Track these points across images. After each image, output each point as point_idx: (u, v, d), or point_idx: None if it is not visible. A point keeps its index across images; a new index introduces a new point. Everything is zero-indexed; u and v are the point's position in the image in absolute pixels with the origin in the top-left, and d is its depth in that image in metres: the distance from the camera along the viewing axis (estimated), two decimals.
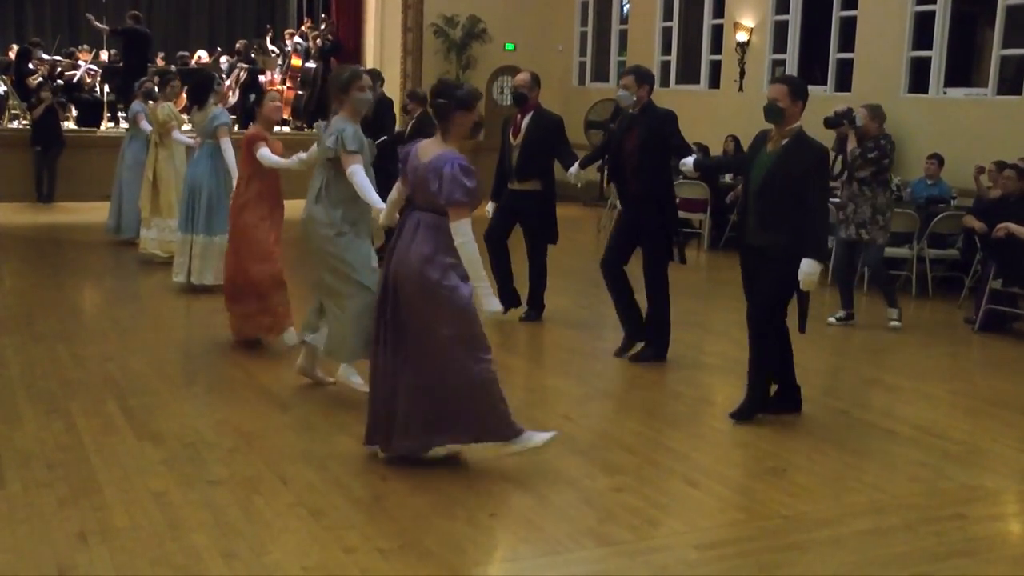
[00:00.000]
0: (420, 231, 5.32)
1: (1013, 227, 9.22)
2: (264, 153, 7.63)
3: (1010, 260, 9.31)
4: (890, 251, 10.99)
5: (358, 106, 6.53)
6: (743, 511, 5.18)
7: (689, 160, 7.35)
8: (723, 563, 4.64)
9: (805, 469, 5.79)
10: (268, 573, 4.33)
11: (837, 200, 9.44)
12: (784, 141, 6.38)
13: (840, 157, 9.45)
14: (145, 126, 11.85)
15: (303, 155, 7.38)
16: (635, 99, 7.71)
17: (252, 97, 9.64)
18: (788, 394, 6.73)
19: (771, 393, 6.66)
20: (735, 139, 14.29)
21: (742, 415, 6.53)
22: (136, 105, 12.45)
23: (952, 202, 11.62)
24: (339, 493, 5.18)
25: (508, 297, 8.86)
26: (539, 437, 5.53)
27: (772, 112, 6.40)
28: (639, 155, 7.65)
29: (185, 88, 12.22)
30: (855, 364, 8.26)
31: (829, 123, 9.62)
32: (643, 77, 7.78)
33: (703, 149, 14.03)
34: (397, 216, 5.71)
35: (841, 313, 9.57)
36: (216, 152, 9.67)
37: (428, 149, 5.42)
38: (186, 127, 11.72)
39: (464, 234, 5.23)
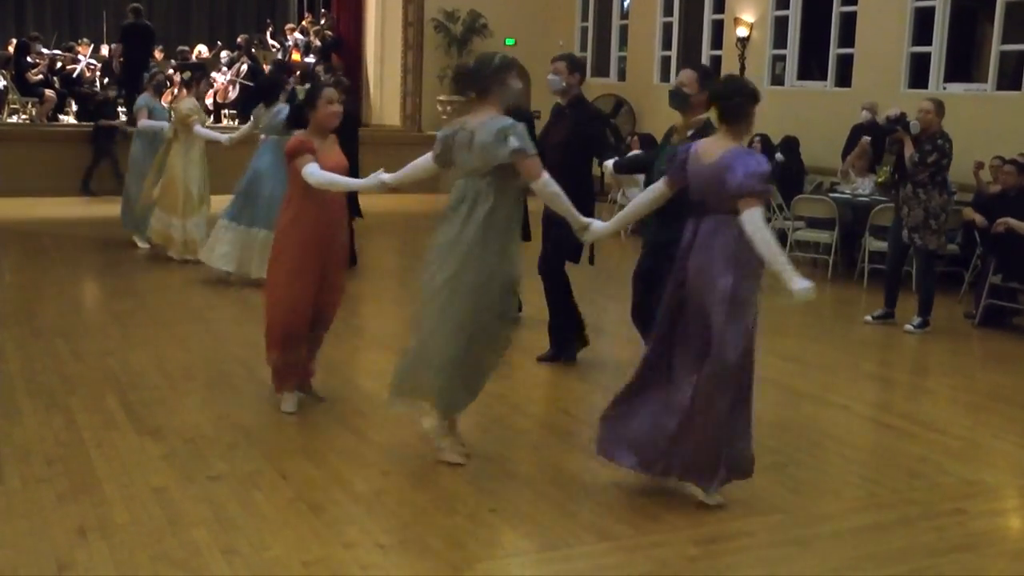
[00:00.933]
0: (718, 237, 4.99)
1: (1012, 222, 9.22)
2: (312, 170, 5.98)
3: (1010, 255, 9.31)
4: (879, 245, 10.99)
5: (508, 98, 5.53)
6: (743, 506, 5.18)
7: (608, 163, 6.97)
8: (724, 558, 4.64)
9: (805, 464, 5.79)
10: (268, 568, 4.33)
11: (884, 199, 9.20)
12: (690, 132, 6.00)
13: (898, 160, 9.27)
14: (145, 122, 11.60)
15: (384, 175, 5.80)
16: (564, 85, 7.33)
17: (296, 94, 9.15)
18: None
19: None
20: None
21: None
22: (142, 99, 12.07)
23: (952, 197, 11.60)
24: (339, 488, 5.18)
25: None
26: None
27: (677, 98, 6.05)
28: (561, 151, 7.12)
29: (252, 86, 12.03)
30: (854, 359, 8.26)
31: (884, 131, 9.46)
32: (575, 65, 7.46)
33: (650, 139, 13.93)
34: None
35: (880, 311, 9.47)
36: (280, 147, 9.68)
37: (711, 148, 5.04)
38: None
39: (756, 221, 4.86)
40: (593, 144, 7.28)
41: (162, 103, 12.17)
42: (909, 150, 9.02)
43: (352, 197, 10.59)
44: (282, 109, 9.74)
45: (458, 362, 5.43)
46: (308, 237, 6.12)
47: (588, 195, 7.34)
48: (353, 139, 10.63)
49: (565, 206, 5.38)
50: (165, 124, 11.42)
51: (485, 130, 5.26)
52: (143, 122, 11.51)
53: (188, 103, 11.13)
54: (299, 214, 6.11)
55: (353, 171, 10.20)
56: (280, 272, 6.21)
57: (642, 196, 5.40)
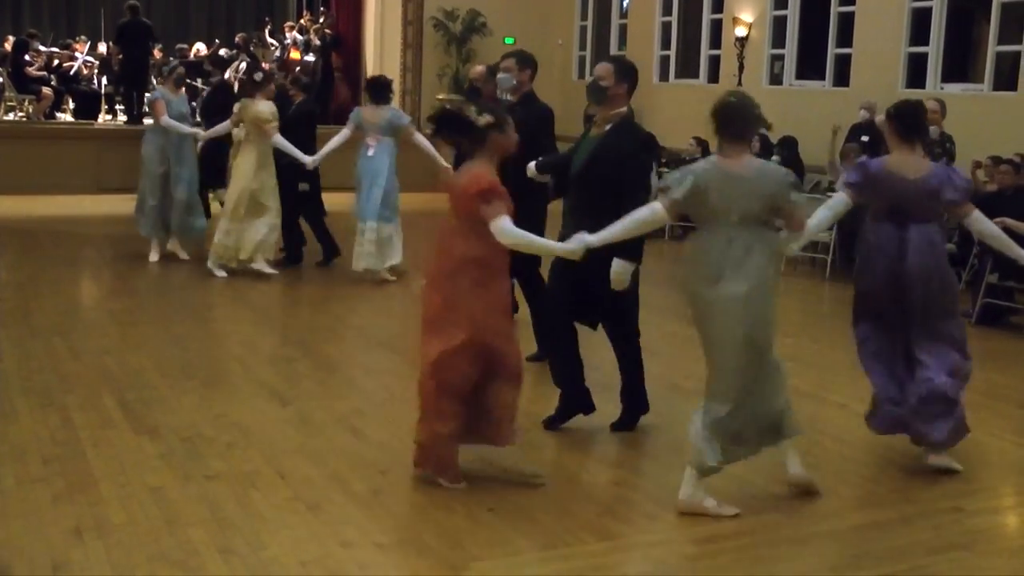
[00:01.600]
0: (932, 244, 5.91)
1: (1009, 222, 9.20)
2: (507, 225, 5.06)
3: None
4: None
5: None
6: (741, 505, 5.16)
7: (531, 165, 6.58)
8: (721, 557, 4.64)
9: (803, 463, 5.77)
10: (265, 568, 4.32)
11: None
12: (608, 126, 5.86)
13: None
14: (170, 121, 10.67)
15: (587, 236, 5.10)
16: (515, 83, 7.14)
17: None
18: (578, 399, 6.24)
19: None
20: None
21: (625, 425, 6.21)
22: (158, 92, 11.30)
23: None
24: (337, 488, 5.18)
25: None
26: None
27: (594, 91, 5.86)
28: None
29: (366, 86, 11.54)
30: (852, 357, 8.23)
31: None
32: (525, 61, 7.22)
33: (702, 144, 14.02)
34: None
35: None
36: (394, 150, 10.03)
37: (911, 165, 5.88)
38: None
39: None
40: (538, 143, 6.80)
41: (179, 97, 11.60)
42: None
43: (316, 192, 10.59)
44: (399, 114, 10.16)
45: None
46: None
47: (538, 197, 6.99)
48: (312, 138, 10.65)
49: None
50: (195, 130, 11.10)
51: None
52: (167, 120, 10.64)
53: (266, 106, 10.13)
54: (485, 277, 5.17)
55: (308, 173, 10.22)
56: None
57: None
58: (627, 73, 5.92)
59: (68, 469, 5.29)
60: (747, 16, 15.89)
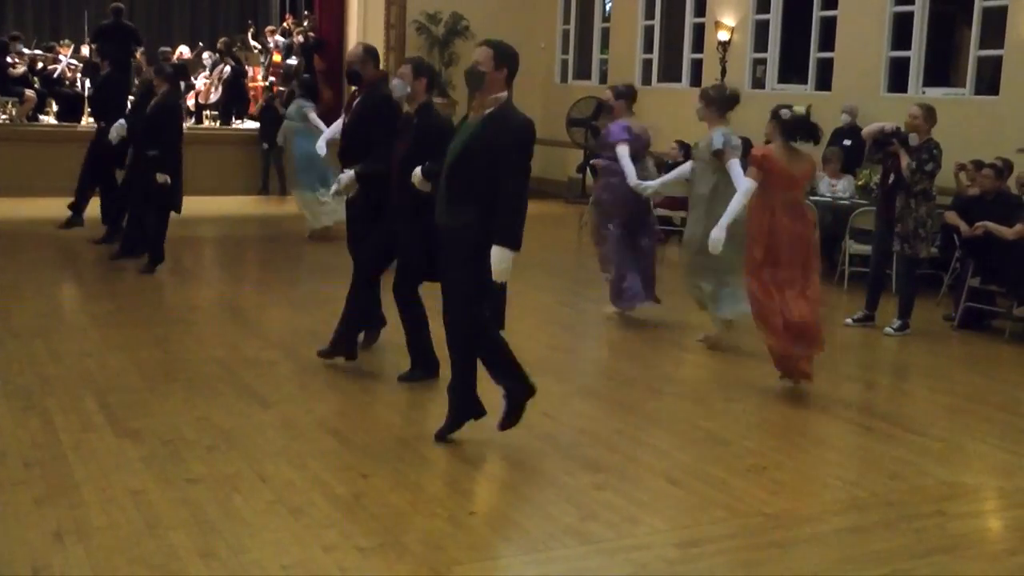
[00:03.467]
0: None
1: (991, 225, 9.26)
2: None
3: (988, 258, 9.35)
4: (859, 248, 11.03)
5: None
6: (724, 509, 5.18)
7: (418, 170, 6.32)
8: (704, 561, 4.64)
9: (786, 466, 5.80)
10: (247, 572, 4.30)
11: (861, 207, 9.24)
12: (486, 111, 5.68)
13: (892, 173, 9.26)
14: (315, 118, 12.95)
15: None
16: (409, 90, 6.74)
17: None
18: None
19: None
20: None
21: (443, 435, 5.94)
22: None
23: (935, 202, 11.65)
24: (318, 491, 5.16)
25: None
26: None
27: (474, 77, 5.66)
28: (403, 166, 6.58)
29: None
30: (834, 361, 8.27)
31: (877, 145, 9.44)
32: (420, 69, 6.82)
33: (684, 148, 14.04)
34: None
35: (860, 314, 9.49)
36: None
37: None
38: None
39: None
40: (436, 152, 6.20)
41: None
42: (905, 159, 8.97)
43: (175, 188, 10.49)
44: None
45: None
46: None
47: (429, 218, 6.49)
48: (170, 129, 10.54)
49: None
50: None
51: None
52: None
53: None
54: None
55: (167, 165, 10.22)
56: None
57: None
58: (507, 58, 5.71)
59: (49, 472, 5.26)
60: (729, 20, 15.94)
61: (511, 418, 5.92)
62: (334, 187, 7.58)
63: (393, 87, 6.91)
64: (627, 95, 9.02)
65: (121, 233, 11.30)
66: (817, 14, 14.72)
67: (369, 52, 7.62)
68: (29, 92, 17.48)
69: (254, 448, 5.74)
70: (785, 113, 7.28)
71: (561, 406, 6.82)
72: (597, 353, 7.92)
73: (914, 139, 8.97)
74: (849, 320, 9.47)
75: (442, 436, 5.93)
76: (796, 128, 7.23)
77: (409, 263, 6.93)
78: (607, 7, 19.16)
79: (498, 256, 5.48)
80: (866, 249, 10.61)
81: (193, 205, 12.16)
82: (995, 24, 12.45)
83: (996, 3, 12.33)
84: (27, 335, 7.94)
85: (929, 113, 9.02)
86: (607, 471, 5.61)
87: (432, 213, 5.99)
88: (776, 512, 5.17)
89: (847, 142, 12.93)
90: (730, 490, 5.42)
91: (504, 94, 5.69)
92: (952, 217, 9.89)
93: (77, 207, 12.52)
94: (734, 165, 7.80)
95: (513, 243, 5.52)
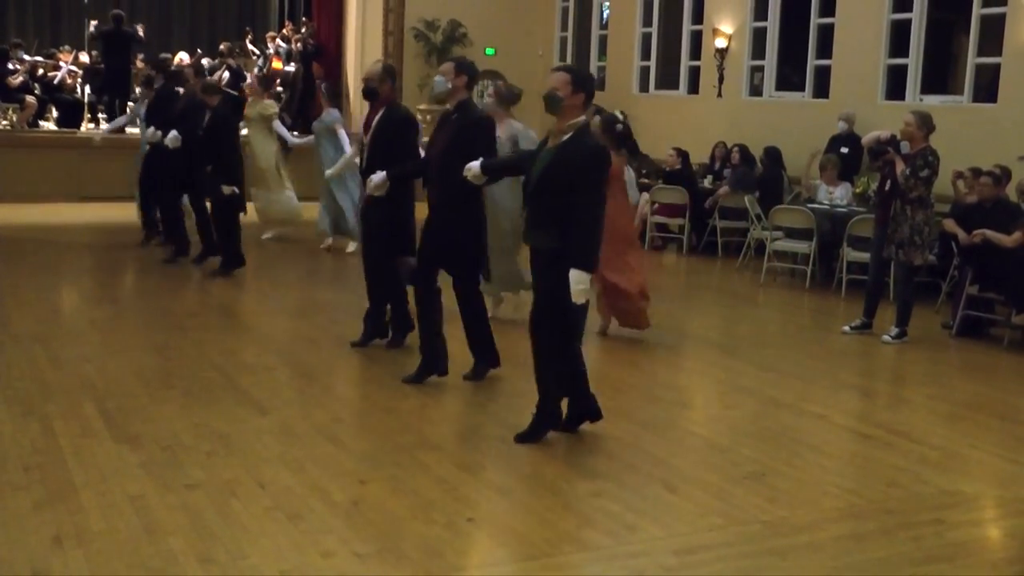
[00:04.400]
0: None
1: (989, 233, 9.27)
2: None
3: (986, 265, 9.36)
4: (858, 256, 11.04)
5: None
6: (721, 516, 5.19)
7: (474, 165, 6.48)
8: (701, 568, 4.64)
9: (783, 474, 5.80)
10: None
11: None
12: (564, 137, 5.83)
13: (888, 180, 9.27)
14: (343, 136, 12.28)
15: None
16: (449, 87, 6.92)
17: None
18: (583, 405, 6.31)
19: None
20: (723, 144, 14.38)
21: (529, 437, 6.13)
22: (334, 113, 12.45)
23: (933, 210, 11.66)
24: (317, 497, 5.17)
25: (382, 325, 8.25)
26: None
27: (551, 102, 5.82)
28: (443, 160, 6.85)
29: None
30: (832, 369, 8.29)
31: (873, 154, 9.46)
32: (462, 67, 7.01)
33: (683, 155, 14.10)
34: None
35: (857, 321, 9.48)
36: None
37: None
38: None
39: None
40: (477, 155, 6.63)
41: None
42: (901, 166, 8.98)
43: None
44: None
45: None
46: None
47: (476, 209, 7.07)
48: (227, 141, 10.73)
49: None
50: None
51: None
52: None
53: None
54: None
55: (231, 174, 10.41)
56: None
57: None
58: (584, 83, 5.88)
59: (48, 477, 5.27)
60: (727, 27, 15.96)
61: (532, 435, 6.13)
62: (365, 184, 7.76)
63: (435, 83, 7.09)
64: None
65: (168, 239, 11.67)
66: (815, 21, 14.73)
67: (387, 71, 7.88)
68: (30, 98, 17.51)
69: (252, 454, 5.75)
70: (619, 127, 8.49)
71: None
72: (592, 360, 7.90)
73: (906, 147, 8.99)
74: (847, 328, 9.47)
75: (525, 438, 6.13)
76: (625, 138, 8.63)
77: (467, 263, 7.09)
78: (605, 15, 19.19)
79: (575, 278, 5.67)
80: (864, 256, 10.62)
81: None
82: (993, 31, 12.47)
83: (994, 10, 12.35)
84: (27, 340, 7.95)
85: (923, 121, 9.02)
86: (605, 478, 5.62)
87: (472, 205, 6.84)
88: (774, 520, 5.18)
89: (844, 149, 12.95)
90: (728, 497, 5.42)
91: (582, 119, 5.86)
92: (950, 225, 9.89)
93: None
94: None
95: (588, 265, 5.73)
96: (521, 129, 8.64)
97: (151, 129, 11.50)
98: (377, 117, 7.72)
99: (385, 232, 7.77)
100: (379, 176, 7.39)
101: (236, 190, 10.55)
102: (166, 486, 5.21)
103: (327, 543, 4.65)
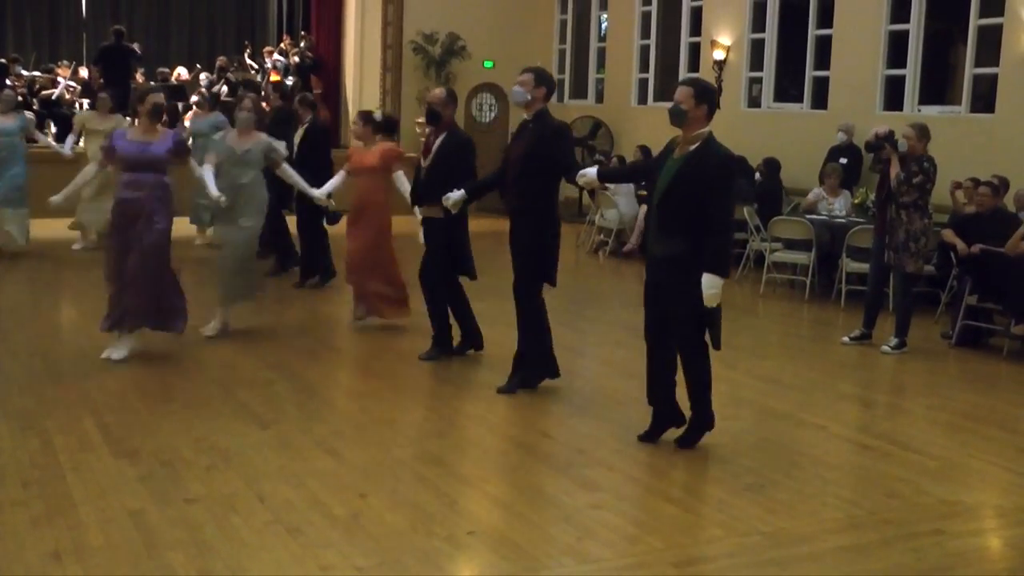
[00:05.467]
0: None
1: (990, 249, 9.28)
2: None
3: (985, 275, 9.37)
4: (857, 267, 11.04)
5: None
6: (721, 527, 5.18)
7: (591, 171, 6.83)
8: None
9: (783, 485, 5.79)
10: None
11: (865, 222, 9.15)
12: (691, 147, 6.05)
13: (883, 180, 9.28)
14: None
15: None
16: (529, 98, 7.14)
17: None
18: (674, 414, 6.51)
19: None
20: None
21: (688, 442, 6.36)
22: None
23: (931, 220, 11.67)
24: (317, 511, 5.16)
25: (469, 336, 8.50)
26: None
27: (675, 115, 6.06)
28: (521, 165, 7.10)
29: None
30: (832, 379, 8.28)
31: (869, 147, 9.46)
32: (542, 78, 7.22)
33: (620, 160, 14.10)
34: None
35: (857, 332, 9.47)
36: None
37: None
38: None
39: None
40: (555, 161, 7.04)
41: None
42: (896, 169, 9.00)
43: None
44: None
45: None
46: None
47: (549, 215, 7.25)
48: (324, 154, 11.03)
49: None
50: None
51: None
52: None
53: None
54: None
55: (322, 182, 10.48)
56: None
57: None
58: (706, 95, 6.10)
59: (47, 492, 5.26)
60: (725, 39, 16.00)
61: (689, 441, 6.37)
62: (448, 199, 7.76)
63: (513, 93, 7.31)
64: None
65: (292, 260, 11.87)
66: (812, 32, 14.77)
67: (450, 95, 8.28)
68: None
69: (252, 468, 5.74)
70: (377, 115, 9.66)
71: (559, 426, 6.82)
72: (594, 372, 7.92)
73: (904, 145, 8.99)
74: (846, 338, 9.47)
75: (685, 443, 6.35)
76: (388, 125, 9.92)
77: (529, 266, 7.26)
78: (603, 27, 19.23)
79: (708, 283, 5.90)
80: (863, 267, 10.63)
81: (184, 225, 12.20)
82: (990, 42, 12.50)
83: (991, 21, 12.37)
84: (26, 355, 7.94)
85: (922, 132, 9.04)
86: (605, 490, 5.61)
87: (549, 211, 7.17)
88: (774, 531, 5.17)
89: (843, 160, 12.96)
90: (728, 509, 5.42)
91: (706, 129, 6.07)
92: (949, 235, 9.90)
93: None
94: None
95: (721, 270, 5.96)
96: (265, 139, 9.09)
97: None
98: (439, 140, 8.07)
99: (443, 252, 8.10)
100: (458, 194, 7.53)
101: (332, 202, 10.60)
102: (166, 501, 5.20)
103: (327, 557, 4.64)
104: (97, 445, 6.00)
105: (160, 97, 8.00)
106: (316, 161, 10.81)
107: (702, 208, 5.90)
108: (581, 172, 6.83)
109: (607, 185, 12.47)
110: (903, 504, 5.62)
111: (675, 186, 6.04)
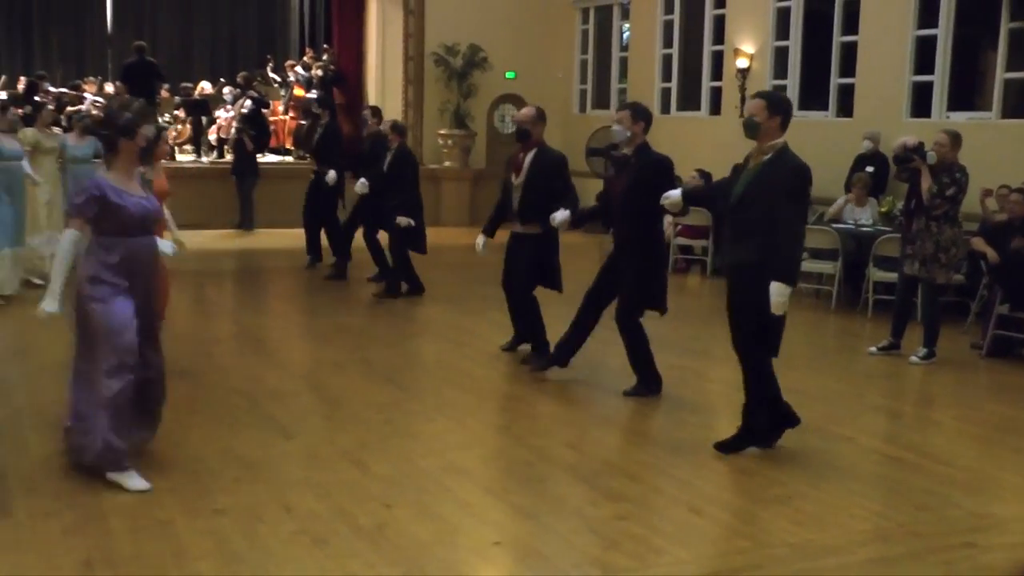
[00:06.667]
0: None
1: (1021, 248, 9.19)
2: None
3: (1017, 284, 9.28)
4: (884, 276, 10.98)
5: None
6: (748, 539, 5.15)
7: (675, 193, 6.87)
8: None
9: (810, 497, 5.76)
10: None
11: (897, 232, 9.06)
12: (765, 157, 6.22)
13: (911, 190, 9.22)
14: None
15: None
16: (629, 134, 7.47)
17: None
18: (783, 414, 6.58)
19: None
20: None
21: (730, 447, 6.42)
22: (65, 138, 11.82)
23: (961, 229, 11.57)
24: (342, 521, 5.16)
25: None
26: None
27: (750, 127, 6.24)
28: (625, 199, 7.43)
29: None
30: (859, 390, 8.24)
31: (897, 159, 9.41)
32: (639, 113, 7.54)
33: (705, 176, 14.05)
34: None
35: (885, 342, 9.39)
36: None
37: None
38: None
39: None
40: (653, 189, 7.13)
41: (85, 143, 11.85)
42: (927, 182, 8.91)
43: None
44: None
45: None
46: None
47: (656, 243, 7.64)
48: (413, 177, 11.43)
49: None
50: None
51: None
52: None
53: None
54: None
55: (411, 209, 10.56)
56: None
57: None
58: (779, 106, 6.23)
59: (78, 503, 5.29)
60: (748, 47, 15.96)
61: (736, 444, 6.45)
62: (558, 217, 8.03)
63: (614, 132, 7.59)
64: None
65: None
66: (837, 39, 14.67)
67: (540, 114, 8.52)
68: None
69: (278, 479, 5.75)
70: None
71: (583, 436, 6.81)
72: (619, 383, 7.89)
73: (932, 157, 8.92)
74: (873, 348, 9.41)
75: (727, 448, 6.42)
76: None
77: (632, 294, 7.55)
78: (625, 36, 19.22)
79: (776, 290, 6.00)
80: (890, 277, 10.57)
81: (212, 238, 12.25)
82: (1021, 46, 12.39)
83: (1022, 25, 12.26)
84: (55, 368, 7.96)
85: (955, 140, 8.97)
86: (630, 501, 5.59)
87: (654, 242, 7.54)
88: (801, 542, 5.14)
89: (869, 168, 12.89)
90: (755, 520, 5.39)
91: (781, 140, 6.22)
92: (979, 243, 9.81)
93: (312, 248, 13.36)
94: None
95: (789, 278, 6.07)
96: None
97: (331, 173, 12.66)
98: (529, 158, 8.35)
99: (536, 267, 8.44)
100: (563, 214, 7.92)
101: (412, 222, 11.05)
102: (193, 511, 5.22)
103: (353, 567, 4.64)
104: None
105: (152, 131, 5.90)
106: (403, 185, 11.17)
107: (773, 217, 6.04)
108: (665, 195, 6.90)
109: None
110: (933, 516, 5.57)
111: (748, 194, 6.19)
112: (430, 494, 5.58)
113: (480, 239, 8.77)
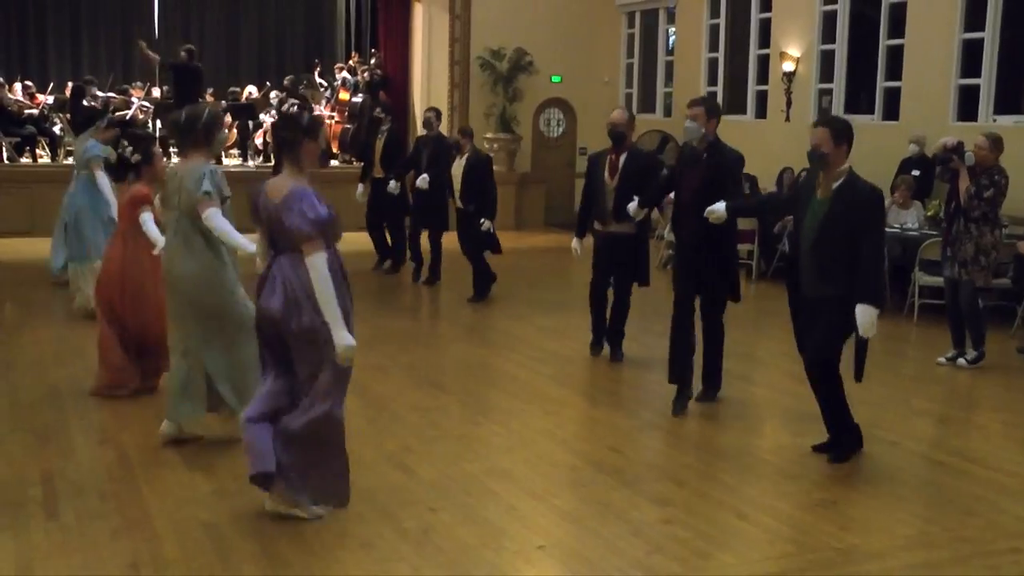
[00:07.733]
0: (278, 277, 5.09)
1: None
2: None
3: None
4: (930, 280, 10.87)
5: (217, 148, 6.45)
6: (793, 543, 5.14)
7: (719, 207, 6.87)
8: None
9: (855, 501, 5.73)
10: None
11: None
12: (834, 186, 6.16)
13: (951, 191, 9.16)
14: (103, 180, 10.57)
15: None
16: (703, 131, 7.40)
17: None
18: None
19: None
20: (790, 170, 14.21)
21: (841, 457, 6.44)
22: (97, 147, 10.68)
23: (1004, 230, 11.47)
24: (387, 524, 5.20)
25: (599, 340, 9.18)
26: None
27: (816, 159, 6.18)
28: (702, 195, 7.24)
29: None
30: (905, 395, 8.18)
31: (937, 159, 9.36)
32: (712, 110, 7.51)
33: (750, 180, 13.99)
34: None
35: (951, 353, 9.24)
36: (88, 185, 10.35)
37: (278, 186, 5.15)
38: None
39: (317, 268, 4.93)
40: (724, 188, 7.19)
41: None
42: (965, 183, 8.83)
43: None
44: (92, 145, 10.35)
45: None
46: None
47: (729, 238, 7.58)
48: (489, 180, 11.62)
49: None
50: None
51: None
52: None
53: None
54: None
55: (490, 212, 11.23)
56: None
57: None
58: (843, 133, 6.19)
59: (124, 505, 5.37)
60: (794, 51, 15.88)
61: (841, 456, 6.46)
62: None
63: (688, 129, 7.51)
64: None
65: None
66: (884, 43, 14.57)
67: (632, 117, 8.95)
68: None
69: None
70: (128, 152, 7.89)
71: (628, 440, 6.81)
72: (663, 388, 7.88)
73: (971, 158, 8.84)
74: (942, 359, 9.22)
75: (839, 458, 6.43)
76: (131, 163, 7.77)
77: (718, 289, 7.57)
78: (671, 40, 19.18)
79: (863, 313, 6.01)
80: (936, 281, 10.46)
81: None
82: None
83: None
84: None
85: (995, 143, 8.88)
86: (675, 505, 5.60)
87: (728, 237, 7.44)
88: (846, 547, 5.12)
89: (916, 172, 12.78)
90: (799, 525, 5.37)
91: (847, 166, 6.19)
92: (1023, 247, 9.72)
93: (381, 251, 13.61)
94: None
95: (876, 300, 6.07)
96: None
97: (392, 183, 12.72)
98: (623, 159, 8.67)
99: (631, 266, 8.77)
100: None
101: (492, 227, 11.33)
102: (239, 514, 5.28)
103: (398, 571, 4.68)
104: (171, 459, 6.10)
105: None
106: (482, 188, 11.39)
107: (856, 251, 6.01)
108: (710, 209, 6.91)
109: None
110: (979, 521, 5.53)
111: (826, 227, 6.14)
112: (475, 498, 5.61)
113: (575, 242, 9.01)
